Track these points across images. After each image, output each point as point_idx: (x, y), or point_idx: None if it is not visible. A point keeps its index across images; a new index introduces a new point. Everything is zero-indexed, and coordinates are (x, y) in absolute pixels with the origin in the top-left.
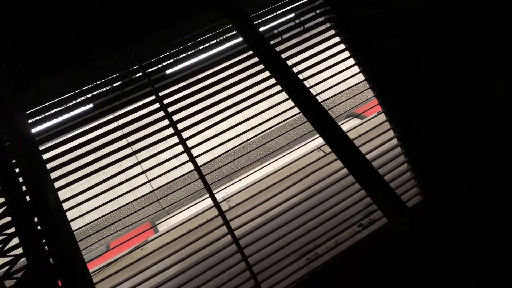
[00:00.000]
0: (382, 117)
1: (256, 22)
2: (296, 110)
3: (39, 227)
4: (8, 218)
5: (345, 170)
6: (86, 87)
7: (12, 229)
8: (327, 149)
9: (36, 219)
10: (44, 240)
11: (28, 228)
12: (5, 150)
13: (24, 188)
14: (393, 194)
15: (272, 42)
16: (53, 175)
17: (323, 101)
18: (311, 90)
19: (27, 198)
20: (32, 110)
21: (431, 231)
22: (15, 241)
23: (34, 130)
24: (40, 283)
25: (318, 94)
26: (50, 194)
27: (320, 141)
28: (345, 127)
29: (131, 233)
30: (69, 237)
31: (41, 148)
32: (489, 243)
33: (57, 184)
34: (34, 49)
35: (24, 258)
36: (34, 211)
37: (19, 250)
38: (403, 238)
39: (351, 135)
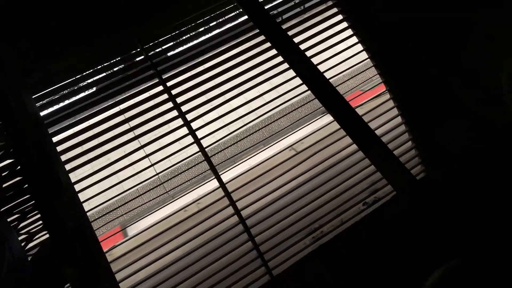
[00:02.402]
0: (385, 95)
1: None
2: (297, 91)
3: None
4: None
5: (348, 150)
6: (88, 71)
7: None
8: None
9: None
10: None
11: (47, 205)
12: (20, 131)
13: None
14: (402, 166)
15: None
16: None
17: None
18: None
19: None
20: (39, 94)
21: (437, 203)
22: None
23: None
24: (60, 256)
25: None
26: (62, 174)
27: (322, 122)
28: None
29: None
30: (83, 215)
31: (50, 131)
32: (495, 218)
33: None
34: (37, 32)
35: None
36: (50, 191)
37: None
38: (409, 211)
39: None
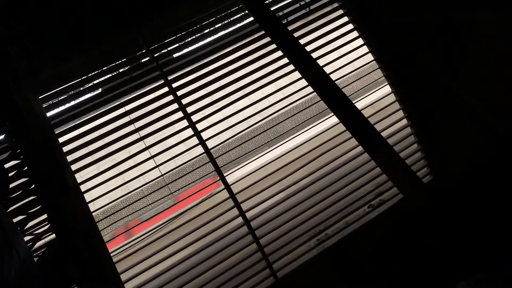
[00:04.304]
0: (391, 97)
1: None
2: (303, 93)
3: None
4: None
5: (352, 152)
6: (94, 73)
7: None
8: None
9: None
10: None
11: (54, 206)
12: (27, 132)
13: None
14: (409, 169)
15: None
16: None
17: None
18: None
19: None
20: (46, 94)
21: (444, 207)
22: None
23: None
24: (66, 257)
25: None
26: (68, 175)
27: (327, 124)
28: None
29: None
30: (89, 216)
31: (56, 131)
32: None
33: None
34: (43, 32)
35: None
36: (56, 191)
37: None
38: (414, 214)
39: None
